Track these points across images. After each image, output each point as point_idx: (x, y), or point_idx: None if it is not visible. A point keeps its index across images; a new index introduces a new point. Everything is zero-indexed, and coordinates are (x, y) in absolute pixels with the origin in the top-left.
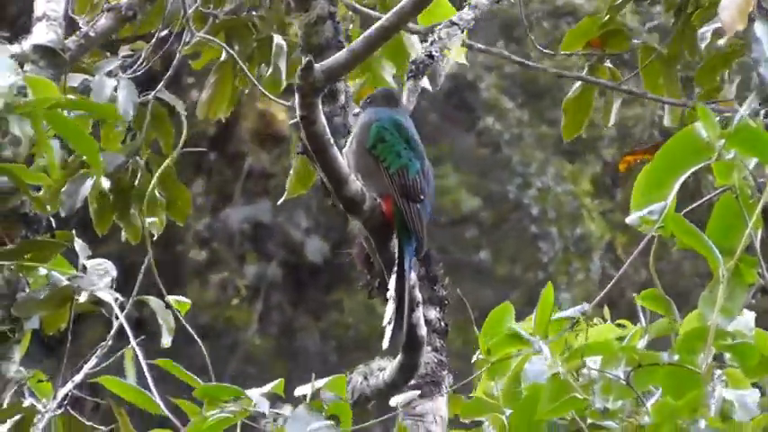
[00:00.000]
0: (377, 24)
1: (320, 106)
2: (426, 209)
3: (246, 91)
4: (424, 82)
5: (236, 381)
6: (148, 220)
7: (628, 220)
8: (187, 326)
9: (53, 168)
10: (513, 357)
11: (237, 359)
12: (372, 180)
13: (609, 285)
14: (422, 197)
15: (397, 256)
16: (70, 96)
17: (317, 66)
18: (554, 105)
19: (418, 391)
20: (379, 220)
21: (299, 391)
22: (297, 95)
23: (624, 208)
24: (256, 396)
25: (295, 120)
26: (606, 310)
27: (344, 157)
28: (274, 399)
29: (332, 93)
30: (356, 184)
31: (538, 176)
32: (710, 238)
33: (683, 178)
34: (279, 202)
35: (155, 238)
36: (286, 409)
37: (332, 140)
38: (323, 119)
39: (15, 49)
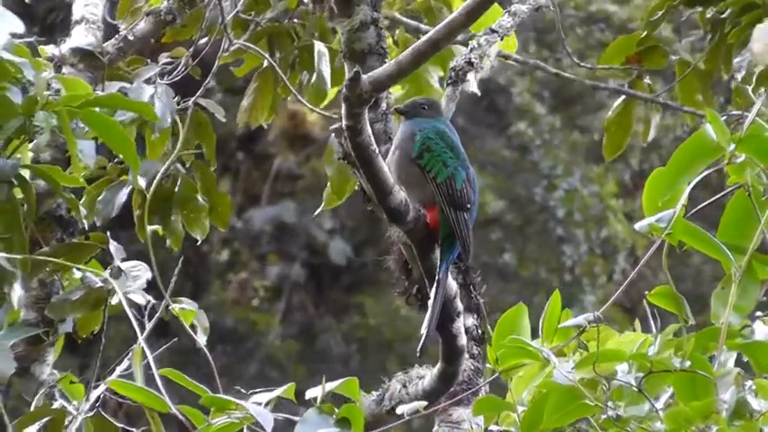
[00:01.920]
0: (426, 37)
1: (366, 117)
2: (472, 216)
3: (289, 98)
4: (471, 85)
5: (257, 383)
6: (150, 228)
7: (637, 226)
8: (192, 333)
9: (75, 164)
10: (529, 367)
11: (259, 360)
12: (417, 190)
13: (619, 290)
14: (468, 206)
15: (438, 264)
16: (100, 93)
17: (364, 77)
18: (585, 112)
19: (424, 402)
20: (423, 231)
21: (309, 394)
22: (343, 106)
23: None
24: (256, 408)
25: (336, 126)
26: (637, 323)
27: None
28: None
29: (374, 99)
30: (400, 194)
31: (564, 178)
32: (723, 236)
33: (693, 182)
34: (315, 214)
35: (198, 243)
36: (300, 413)
37: (377, 151)
38: (369, 129)
39: (53, 51)
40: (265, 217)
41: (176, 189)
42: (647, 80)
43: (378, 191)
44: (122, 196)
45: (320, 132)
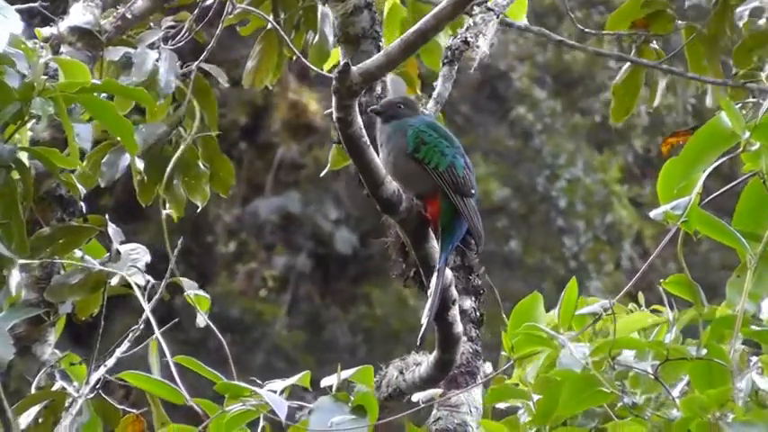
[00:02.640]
0: (414, 28)
1: (357, 109)
2: (476, 201)
3: (294, 59)
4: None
5: (264, 372)
6: (165, 212)
7: (652, 214)
8: (207, 321)
9: (73, 151)
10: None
11: (265, 350)
12: (416, 183)
13: (635, 278)
14: (473, 191)
15: (439, 253)
16: (95, 81)
17: (353, 68)
18: (586, 95)
19: (439, 390)
20: (416, 221)
21: (325, 382)
22: (333, 98)
23: (653, 197)
24: (272, 396)
25: (328, 111)
26: (641, 296)
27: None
28: (301, 390)
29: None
30: (392, 185)
31: (567, 168)
32: (738, 223)
33: (708, 170)
34: (322, 174)
35: (198, 211)
36: (312, 401)
37: (368, 142)
38: (359, 121)
39: (51, 30)
40: (270, 207)
41: (178, 154)
42: (653, 44)
43: (370, 181)
44: (126, 159)
45: (322, 122)
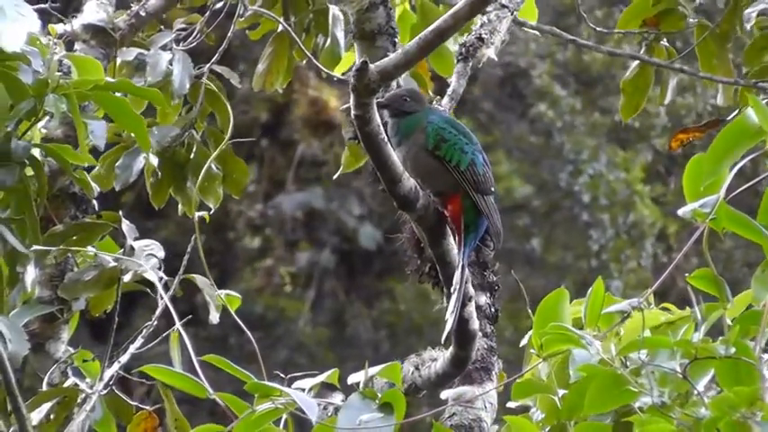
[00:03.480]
0: (431, 27)
1: (375, 106)
2: (496, 198)
3: (304, 62)
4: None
5: (287, 369)
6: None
7: (680, 212)
8: (236, 317)
9: (84, 149)
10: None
11: (289, 347)
12: (436, 181)
13: (663, 276)
14: (492, 189)
15: (461, 251)
16: (109, 79)
17: (371, 66)
18: (606, 93)
19: (468, 388)
20: (433, 218)
21: (352, 379)
22: (351, 96)
23: (677, 195)
24: (301, 396)
25: (345, 106)
26: (651, 297)
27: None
28: (327, 387)
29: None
30: (410, 181)
31: (589, 163)
32: (762, 219)
33: (737, 167)
34: (335, 177)
35: (212, 212)
36: (338, 398)
37: (386, 139)
38: (377, 118)
39: (65, 27)
40: (294, 203)
41: (191, 156)
42: (664, 43)
43: (387, 178)
44: (140, 161)
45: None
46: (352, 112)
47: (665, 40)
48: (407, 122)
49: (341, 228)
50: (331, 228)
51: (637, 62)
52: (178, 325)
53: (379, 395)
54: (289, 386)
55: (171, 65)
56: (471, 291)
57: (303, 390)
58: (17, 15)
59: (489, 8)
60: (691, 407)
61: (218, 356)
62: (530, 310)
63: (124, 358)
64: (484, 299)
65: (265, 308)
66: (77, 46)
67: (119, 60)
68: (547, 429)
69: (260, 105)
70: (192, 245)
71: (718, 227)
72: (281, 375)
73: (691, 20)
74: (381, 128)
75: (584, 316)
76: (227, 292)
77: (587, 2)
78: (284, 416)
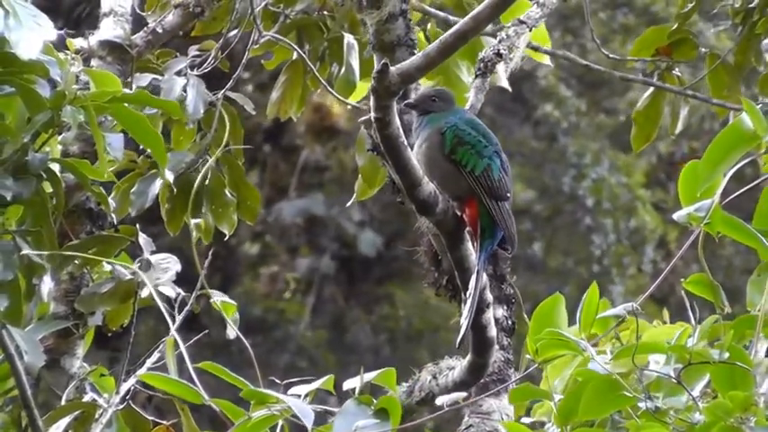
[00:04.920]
0: (453, 29)
1: (395, 109)
2: (510, 203)
3: (318, 91)
4: (500, 80)
5: (288, 374)
6: (194, 221)
7: (675, 216)
8: (237, 332)
9: (102, 160)
10: (563, 357)
11: (289, 352)
12: (451, 186)
13: (657, 281)
14: (508, 195)
15: (477, 256)
16: (127, 91)
17: (392, 69)
18: (611, 95)
19: (464, 394)
20: (452, 222)
21: (347, 385)
22: (372, 98)
23: (676, 203)
24: (298, 404)
25: (365, 118)
26: (665, 312)
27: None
28: (322, 392)
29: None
30: (429, 186)
31: (592, 167)
32: (758, 224)
33: (731, 171)
34: (348, 205)
35: (225, 239)
36: (335, 404)
37: (405, 143)
38: (397, 121)
39: (82, 44)
40: (294, 209)
41: (206, 183)
42: (676, 72)
43: (407, 183)
44: (155, 188)
45: (346, 124)
46: (372, 115)
47: (677, 69)
48: (428, 120)
49: (341, 234)
50: (331, 234)
51: (649, 93)
52: (173, 332)
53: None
54: (285, 392)
55: (185, 91)
56: (490, 297)
57: (299, 396)
58: (34, 25)
59: (507, 23)
60: (685, 412)
61: (213, 363)
62: (525, 316)
63: (140, 372)
64: (501, 311)
65: (266, 312)
66: (94, 62)
67: (134, 86)
68: None
69: (262, 111)
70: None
71: (712, 231)
72: (277, 381)
73: (703, 50)
74: (401, 131)
75: (579, 321)
76: (222, 299)
77: (591, 4)
78: (280, 422)
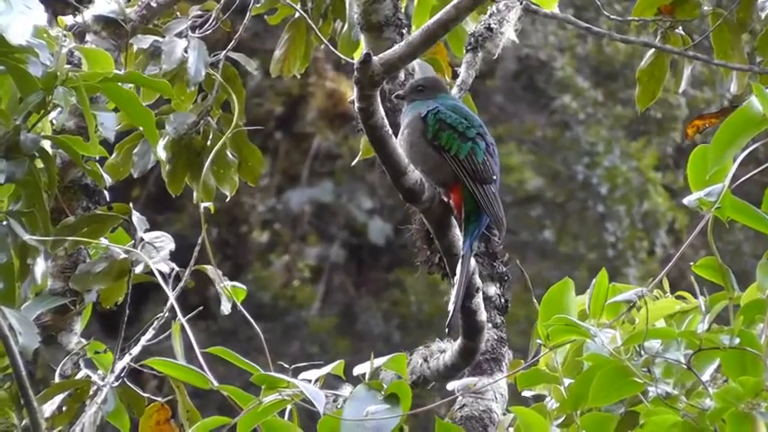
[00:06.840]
0: (435, 18)
1: (378, 99)
2: (496, 186)
3: (322, 47)
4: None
5: (298, 360)
6: (203, 205)
7: (685, 201)
8: (243, 310)
9: (94, 140)
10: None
11: (300, 339)
12: (435, 172)
13: (669, 265)
14: (494, 177)
15: (463, 241)
16: (119, 72)
17: (375, 58)
18: (627, 87)
19: (475, 379)
20: (439, 209)
21: (357, 370)
22: (355, 88)
23: (688, 188)
24: (308, 387)
25: (352, 99)
26: (666, 282)
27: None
28: (332, 379)
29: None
30: (415, 174)
31: (605, 155)
32: (767, 208)
33: (741, 156)
34: (353, 163)
35: (227, 200)
36: (346, 390)
37: (390, 132)
38: (381, 111)
39: (76, 19)
40: (304, 198)
41: (208, 143)
42: (679, 31)
43: (392, 171)
44: (158, 147)
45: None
46: (356, 105)
47: (680, 28)
48: (412, 107)
49: (350, 222)
50: (340, 222)
51: (652, 51)
52: (180, 317)
53: (385, 386)
54: (295, 378)
55: (186, 52)
56: (479, 282)
57: (309, 381)
58: (24, 8)
59: None
60: (696, 397)
61: (223, 348)
62: (535, 300)
63: (135, 350)
64: (493, 289)
65: (276, 300)
66: (89, 37)
67: (135, 48)
68: (562, 419)
69: (275, 99)
70: (202, 237)
71: (723, 216)
72: (286, 366)
73: (705, 8)
74: (385, 120)
75: (588, 306)
76: (234, 283)
77: None
78: (288, 407)
